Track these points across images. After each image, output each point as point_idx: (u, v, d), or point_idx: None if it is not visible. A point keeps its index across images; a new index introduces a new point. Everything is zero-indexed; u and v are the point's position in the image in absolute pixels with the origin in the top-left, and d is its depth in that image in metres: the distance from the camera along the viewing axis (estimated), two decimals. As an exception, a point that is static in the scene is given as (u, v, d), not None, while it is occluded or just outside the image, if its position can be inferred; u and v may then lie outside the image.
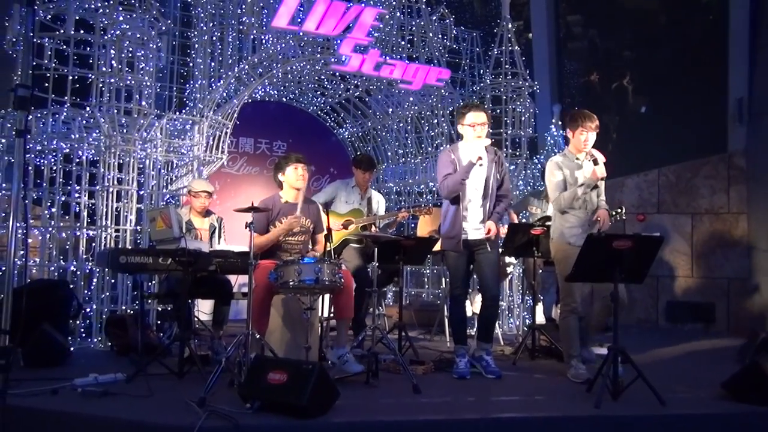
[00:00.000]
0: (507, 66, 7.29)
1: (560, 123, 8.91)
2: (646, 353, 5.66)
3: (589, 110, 4.62)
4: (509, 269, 6.52)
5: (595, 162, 4.40)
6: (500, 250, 4.68)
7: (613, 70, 10.26)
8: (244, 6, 6.41)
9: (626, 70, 10.07)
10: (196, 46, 6.40)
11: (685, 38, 9.36)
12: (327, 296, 4.69)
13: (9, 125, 5.32)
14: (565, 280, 4.70)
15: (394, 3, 7.08)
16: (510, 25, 7.38)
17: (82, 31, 5.48)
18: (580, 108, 4.73)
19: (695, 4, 9.41)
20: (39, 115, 5.36)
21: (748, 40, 8.01)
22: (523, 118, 7.31)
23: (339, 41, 6.26)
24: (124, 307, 5.31)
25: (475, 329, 4.91)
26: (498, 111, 7.32)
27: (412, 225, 7.67)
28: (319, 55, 6.33)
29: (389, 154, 8.09)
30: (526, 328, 6.18)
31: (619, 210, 5.91)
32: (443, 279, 7.07)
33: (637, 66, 9.97)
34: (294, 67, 6.52)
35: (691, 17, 9.38)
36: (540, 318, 6.31)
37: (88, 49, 5.54)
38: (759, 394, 3.76)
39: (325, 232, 4.56)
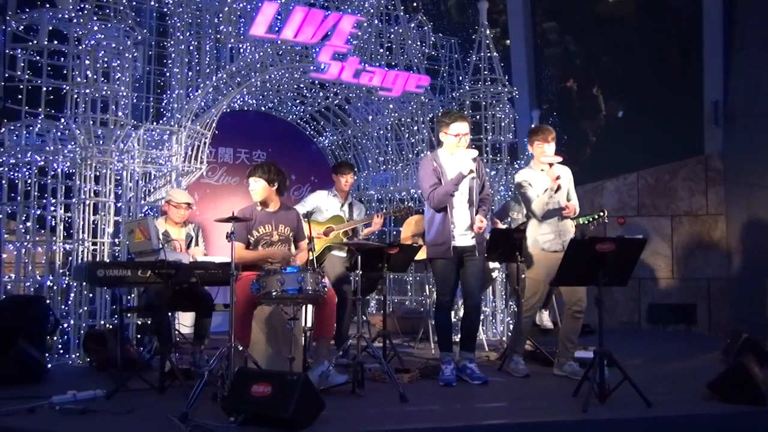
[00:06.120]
0: (486, 72, 7.31)
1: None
2: (631, 355, 5.67)
3: (567, 115, 4.79)
4: (494, 274, 6.51)
5: (550, 165, 4.58)
6: (485, 255, 4.69)
7: (589, 76, 10.35)
8: (221, 15, 6.36)
9: (603, 75, 10.17)
10: (173, 55, 6.32)
11: (660, 43, 9.49)
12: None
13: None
14: (550, 284, 4.74)
15: (372, 11, 7.07)
16: (488, 32, 7.41)
17: (55, 42, 5.40)
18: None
19: (669, 10, 9.54)
20: (12, 127, 5.27)
21: (722, 44, 8.13)
22: (502, 124, 7.34)
23: (317, 49, 6.23)
24: (102, 322, 5.20)
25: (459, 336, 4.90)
26: (478, 117, 7.33)
27: (395, 232, 7.64)
28: (297, 63, 6.30)
29: (370, 161, 8.06)
30: (510, 334, 6.17)
31: (602, 213, 5.97)
32: (426, 286, 7.05)
33: (613, 71, 10.08)
34: (272, 76, 6.47)
35: (665, 22, 9.51)
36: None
37: (63, 59, 5.45)
38: (744, 393, 3.80)
39: (307, 240, 4.52)
